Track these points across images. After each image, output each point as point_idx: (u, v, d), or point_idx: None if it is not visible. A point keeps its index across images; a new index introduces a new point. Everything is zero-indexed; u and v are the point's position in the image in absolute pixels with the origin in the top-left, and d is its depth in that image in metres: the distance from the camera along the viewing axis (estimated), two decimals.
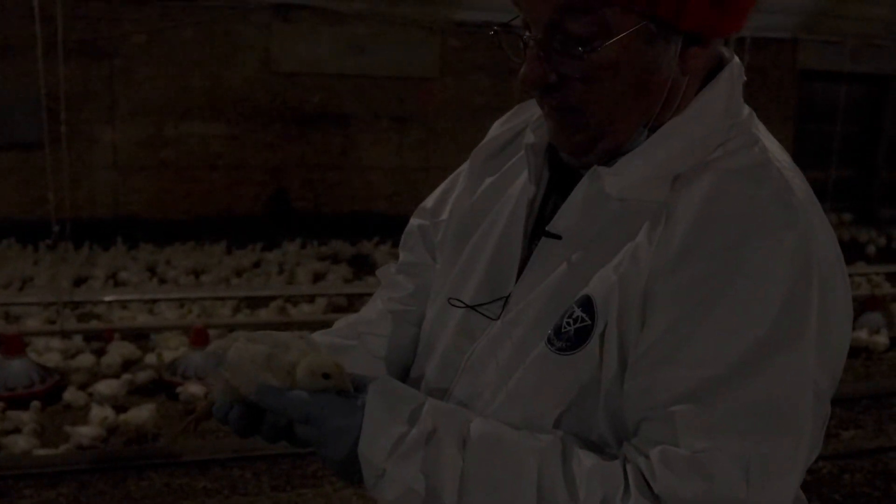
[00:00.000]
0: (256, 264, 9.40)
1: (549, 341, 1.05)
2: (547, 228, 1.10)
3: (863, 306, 7.38)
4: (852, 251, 10.93)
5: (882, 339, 6.85)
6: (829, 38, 12.59)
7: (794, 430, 0.95)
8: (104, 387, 5.19)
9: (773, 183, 1.00)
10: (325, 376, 1.02)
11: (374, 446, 0.98)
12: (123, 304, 7.02)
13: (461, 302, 1.18)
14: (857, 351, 6.79)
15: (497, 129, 1.32)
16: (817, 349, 0.96)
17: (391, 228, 10.60)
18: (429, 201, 1.42)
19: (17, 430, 4.67)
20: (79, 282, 8.07)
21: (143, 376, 5.51)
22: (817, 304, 0.96)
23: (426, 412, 1.00)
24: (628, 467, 0.95)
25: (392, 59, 11.33)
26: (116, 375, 5.55)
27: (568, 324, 1.03)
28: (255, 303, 7.37)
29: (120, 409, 4.94)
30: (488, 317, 1.14)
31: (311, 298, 7.44)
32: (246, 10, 10.73)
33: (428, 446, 0.98)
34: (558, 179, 1.15)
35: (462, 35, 11.48)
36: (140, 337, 6.44)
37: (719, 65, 1.09)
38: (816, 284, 0.96)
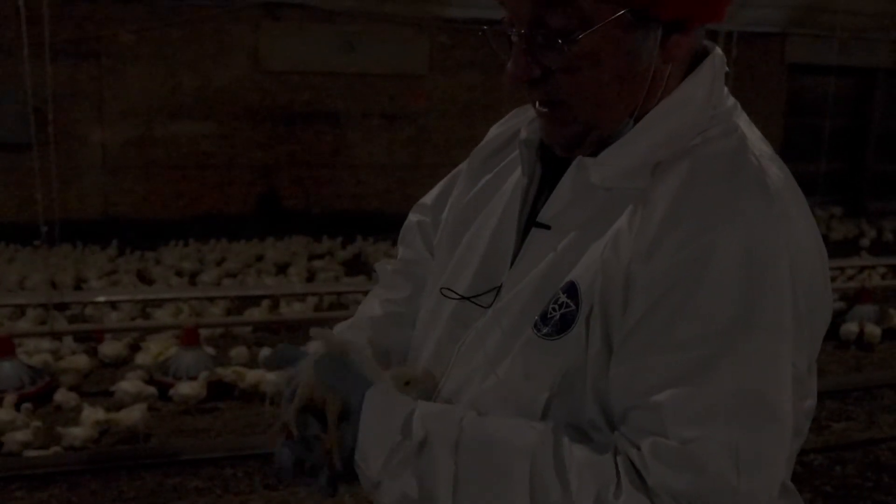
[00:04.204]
0: (247, 264, 9.38)
1: (536, 327, 1.07)
2: (537, 219, 1.13)
3: (854, 299, 7.41)
4: (846, 244, 10.98)
5: (875, 331, 6.87)
6: (817, 32, 12.63)
7: (776, 414, 0.96)
8: (129, 385, 5.19)
9: (747, 170, 1.02)
10: (407, 383, 1.13)
11: (369, 459, 1.03)
12: (114, 305, 7.00)
13: (454, 292, 1.20)
14: (848, 343, 6.82)
15: (495, 130, 1.36)
16: (793, 333, 0.98)
17: (382, 226, 10.62)
18: (428, 198, 1.46)
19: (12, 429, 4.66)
20: (69, 283, 8.04)
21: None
22: (790, 288, 0.97)
23: (416, 419, 1.03)
24: (619, 460, 0.97)
25: (381, 56, 11.33)
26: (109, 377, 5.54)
27: (554, 309, 1.05)
28: (246, 302, 7.35)
29: (111, 409, 4.92)
30: (481, 306, 1.16)
31: (302, 297, 7.43)
32: (235, 8, 10.71)
33: (420, 454, 1.01)
34: (551, 174, 1.18)
35: (451, 32, 11.48)
36: (131, 337, 6.42)
37: (703, 55, 1.11)
38: (787, 269, 0.97)
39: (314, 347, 1.15)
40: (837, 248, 9.97)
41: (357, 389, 1.05)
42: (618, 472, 0.96)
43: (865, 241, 11.34)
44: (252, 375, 5.38)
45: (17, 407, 4.84)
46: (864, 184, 14.50)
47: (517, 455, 0.99)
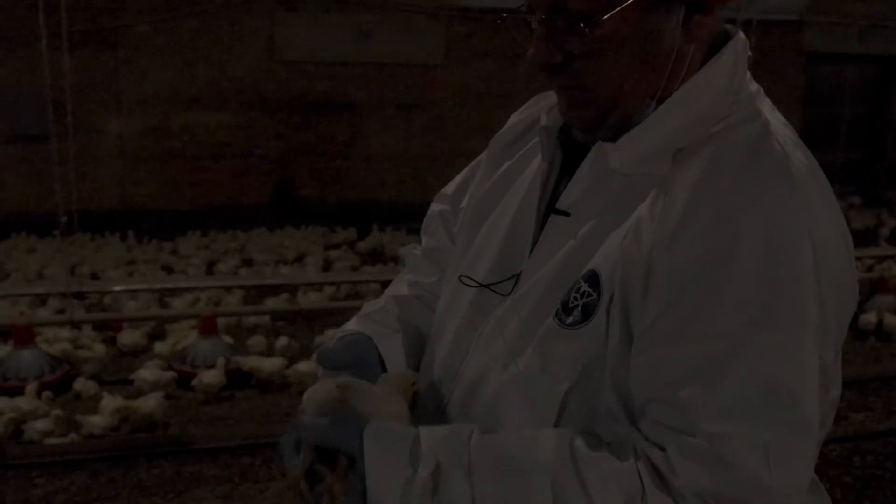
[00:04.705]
0: (264, 253, 9.41)
1: (558, 316, 1.06)
2: (556, 206, 1.12)
3: (873, 289, 7.35)
4: (865, 234, 10.87)
5: (894, 321, 6.81)
6: (835, 20, 12.50)
7: (800, 408, 0.95)
8: (148, 373, 5.23)
9: (771, 156, 1.00)
10: (413, 384, 1.15)
11: (383, 499, 0.97)
12: (132, 294, 7.04)
13: (472, 280, 1.19)
14: (867, 333, 6.77)
15: (516, 117, 1.35)
16: (817, 324, 0.96)
17: (398, 216, 10.62)
18: (449, 187, 1.45)
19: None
20: (87, 273, 8.09)
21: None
22: (813, 278, 0.95)
23: (426, 448, 0.99)
24: (640, 465, 0.95)
25: (397, 46, 11.29)
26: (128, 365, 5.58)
27: (575, 298, 1.04)
28: (263, 291, 7.38)
29: (130, 397, 4.95)
30: (500, 293, 1.15)
31: (318, 286, 7.45)
32: None
33: (436, 486, 0.97)
34: (571, 161, 1.16)
35: (467, 21, 11.43)
36: (149, 326, 6.46)
37: (725, 40, 1.09)
38: (811, 259, 0.95)
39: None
40: (856, 238, 9.56)
41: (353, 436, 0.99)
42: (641, 479, 0.94)
43: (884, 231, 11.22)
44: (269, 364, 5.41)
45: (38, 395, 4.88)
46: (883, 173, 14.35)
47: (536, 471, 0.96)
